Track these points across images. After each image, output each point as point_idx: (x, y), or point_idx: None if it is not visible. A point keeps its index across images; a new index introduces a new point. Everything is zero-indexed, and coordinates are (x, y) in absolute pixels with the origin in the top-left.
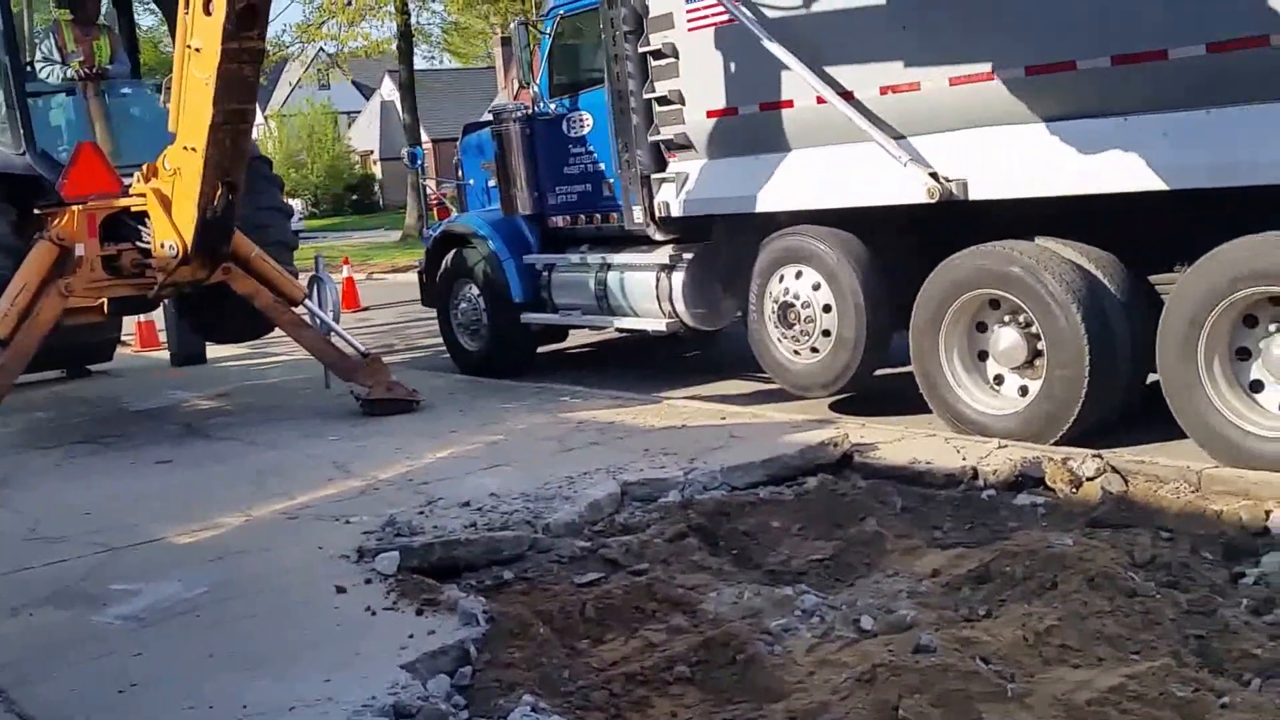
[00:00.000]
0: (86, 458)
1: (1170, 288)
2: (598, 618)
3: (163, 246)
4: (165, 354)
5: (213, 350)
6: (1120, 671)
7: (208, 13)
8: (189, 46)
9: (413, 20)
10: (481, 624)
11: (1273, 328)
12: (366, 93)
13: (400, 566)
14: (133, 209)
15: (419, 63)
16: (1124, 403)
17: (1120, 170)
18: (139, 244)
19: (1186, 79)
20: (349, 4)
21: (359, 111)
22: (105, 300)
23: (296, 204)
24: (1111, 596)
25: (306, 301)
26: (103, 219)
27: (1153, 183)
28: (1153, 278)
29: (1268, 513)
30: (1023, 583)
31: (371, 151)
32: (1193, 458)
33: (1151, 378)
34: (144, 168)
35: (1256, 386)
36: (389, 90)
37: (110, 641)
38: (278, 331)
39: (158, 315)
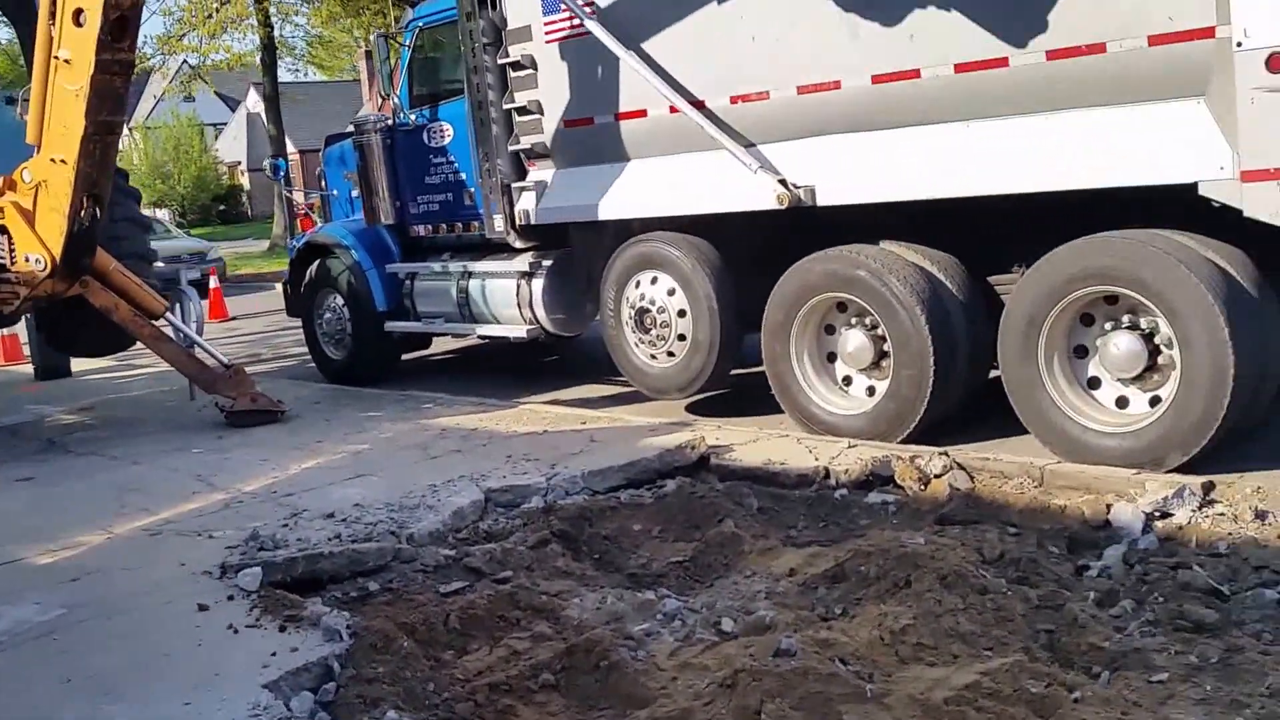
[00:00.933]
0: None
1: (1009, 289)
2: (462, 628)
3: (27, 260)
4: (29, 367)
5: (77, 363)
6: (975, 669)
7: (79, 24)
8: (56, 58)
9: (276, 33)
10: (345, 639)
11: (1108, 326)
12: (232, 104)
13: (263, 582)
14: None
15: (284, 75)
16: (966, 400)
17: (963, 175)
18: None
19: (1026, 86)
20: (210, 17)
21: (225, 123)
22: None
23: (163, 215)
24: (964, 594)
25: (168, 314)
26: None
27: (993, 187)
28: (992, 279)
29: (1109, 506)
30: (877, 581)
31: (239, 162)
32: (1035, 453)
33: (992, 373)
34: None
35: (1094, 383)
36: (254, 102)
37: None
38: (142, 345)
39: (21, 328)
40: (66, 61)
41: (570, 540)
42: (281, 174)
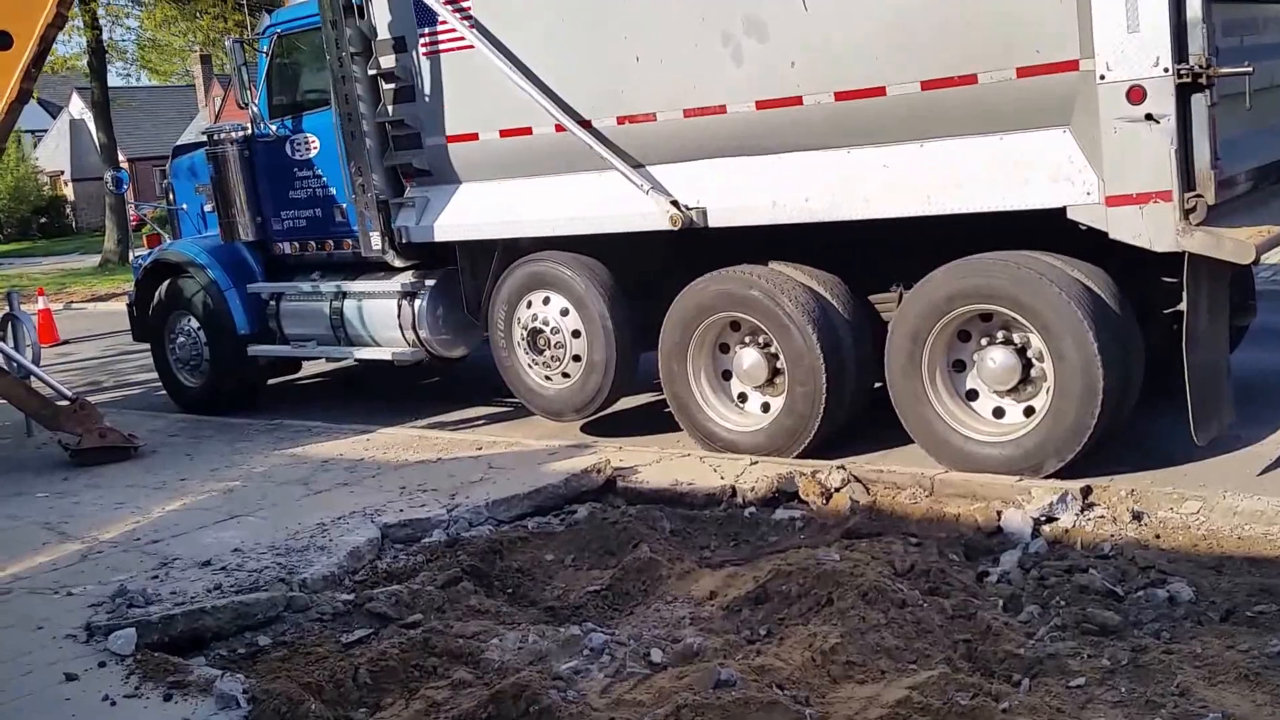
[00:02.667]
0: None
1: (889, 307)
2: (373, 682)
3: None
4: None
5: None
6: (904, 684)
7: (3, 48)
8: None
9: (105, 36)
10: (242, 705)
11: (984, 342)
12: (53, 110)
13: (139, 644)
14: None
15: (113, 79)
16: (855, 413)
17: (844, 200)
18: None
19: (903, 114)
20: None
21: (45, 130)
22: None
23: None
24: (885, 609)
25: (0, 344)
26: None
27: (873, 211)
28: (873, 298)
29: (999, 513)
30: (799, 600)
31: (62, 172)
32: (923, 462)
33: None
34: None
35: (972, 395)
36: (78, 108)
37: None
38: None
39: None
40: None
41: (481, 576)
42: (125, 187)
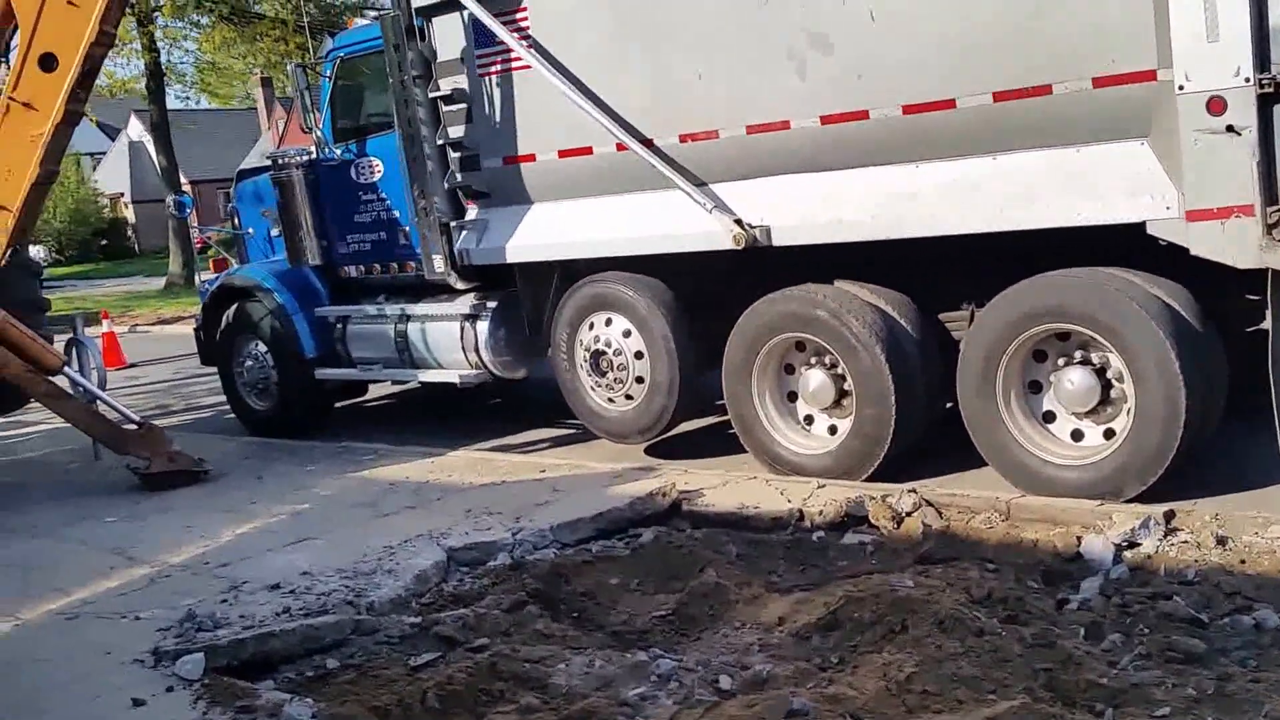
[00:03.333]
0: None
1: (960, 326)
2: (441, 706)
3: None
4: None
5: None
6: (982, 714)
7: (47, 70)
8: (13, 100)
9: (163, 59)
10: None
11: (1061, 362)
12: (111, 133)
13: (207, 668)
14: None
15: (172, 102)
16: (925, 434)
17: (912, 217)
18: None
19: (973, 127)
20: None
21: (104, 152)
22: None
23: (38, 251)
24: (962, 637)
25: (67, 369)
26: None
27: (941, 228)
28: (943, 316)
29: (1079, 539)
30: (871, 628)
31: (122, 194)
32: (996, 485)
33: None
34: None
35: (1049, 417)
36: (136, 130)
37: None
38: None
39: None
40: (26, 105)
41: (546, 600)
42: (188, 211)
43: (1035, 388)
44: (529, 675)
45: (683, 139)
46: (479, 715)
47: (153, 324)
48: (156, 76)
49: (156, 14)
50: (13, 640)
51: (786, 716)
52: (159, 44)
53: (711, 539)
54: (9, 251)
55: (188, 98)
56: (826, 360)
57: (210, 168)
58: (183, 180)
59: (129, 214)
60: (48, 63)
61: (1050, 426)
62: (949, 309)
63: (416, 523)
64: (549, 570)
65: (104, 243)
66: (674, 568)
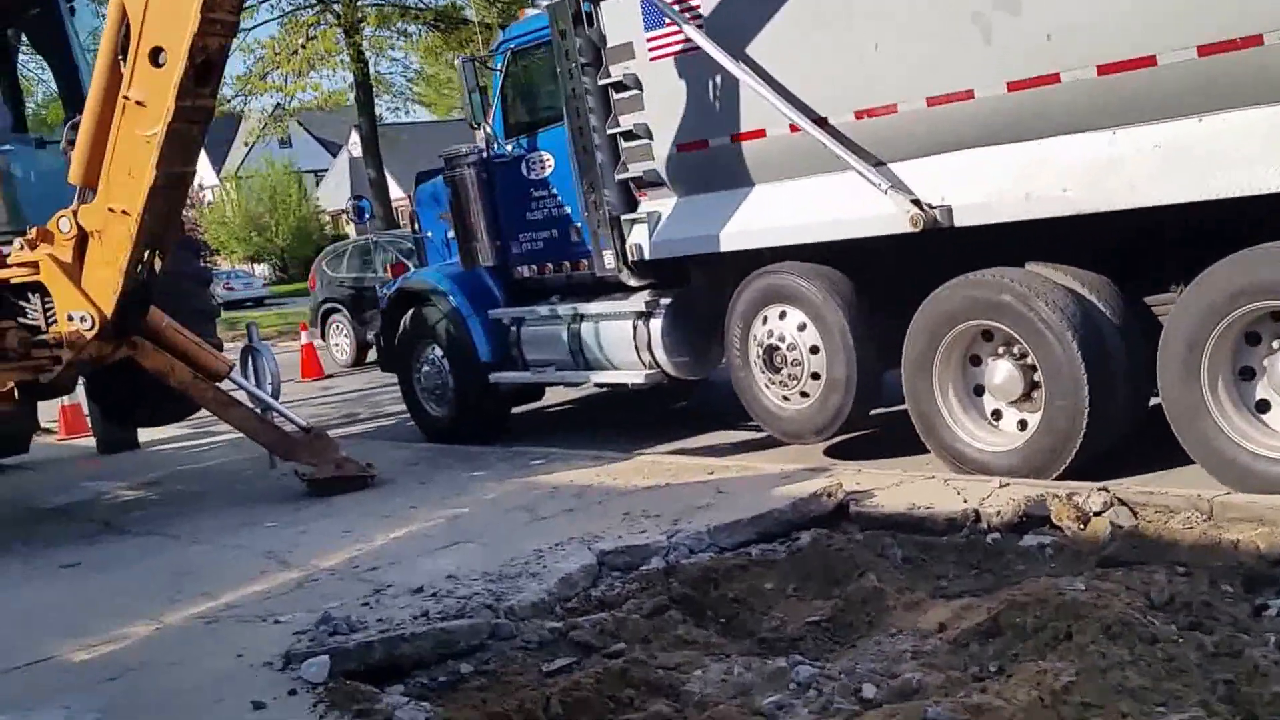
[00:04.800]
0: None
1: (1167, 309)
2: (565, 713)
3: (71, 319)
4: (93, 440)
5: (146, 433)
6: None
7: (157, 64)
8: (126, 98)
9: (370, 69)
10: None
11: (1276, 344)
12: (333, 149)
13: (332, 672)
14: (12, 281)
15: (386, 115)
16: (1125, 430)
17: (1110, 188)
18: (22, 321)
19: (1177, 86)
20: (295, 53)
21: (326, 169)
22: (14, 386)
23: (261, 269)
24: (1131, 645)
25: (234, 375)
26: None
27: (1143, 199)
28: (1148, 299)
29: None
30: (1034, 635)
31: (344, 211)
32: (1202, 485)
33: (1152, 401)
34: (32, 232)
35: (1263, 406)
36: (356, 145)
37: None
38: None
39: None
40: (139, 103)
41: (692, 605)
42: (367, 216)
43: (1246, 374)
44: (662, 682)
45: (858, 115)
46: None
47: None
48: (365, 88)
49: (362, 24)
50: (151, 644)
51: None
52: (366, 54)
53: (874, 542)
54: (152, 257)
55: (398, 109)
56: (1015, 350)
57: None
58: (397, 193)
59: (350, 230)
60: (156, 57)
61: (1264, 417)
62: (1154, 290)
63: (572, 526)
64: (698, 574)
65: None
66: (833, 572)
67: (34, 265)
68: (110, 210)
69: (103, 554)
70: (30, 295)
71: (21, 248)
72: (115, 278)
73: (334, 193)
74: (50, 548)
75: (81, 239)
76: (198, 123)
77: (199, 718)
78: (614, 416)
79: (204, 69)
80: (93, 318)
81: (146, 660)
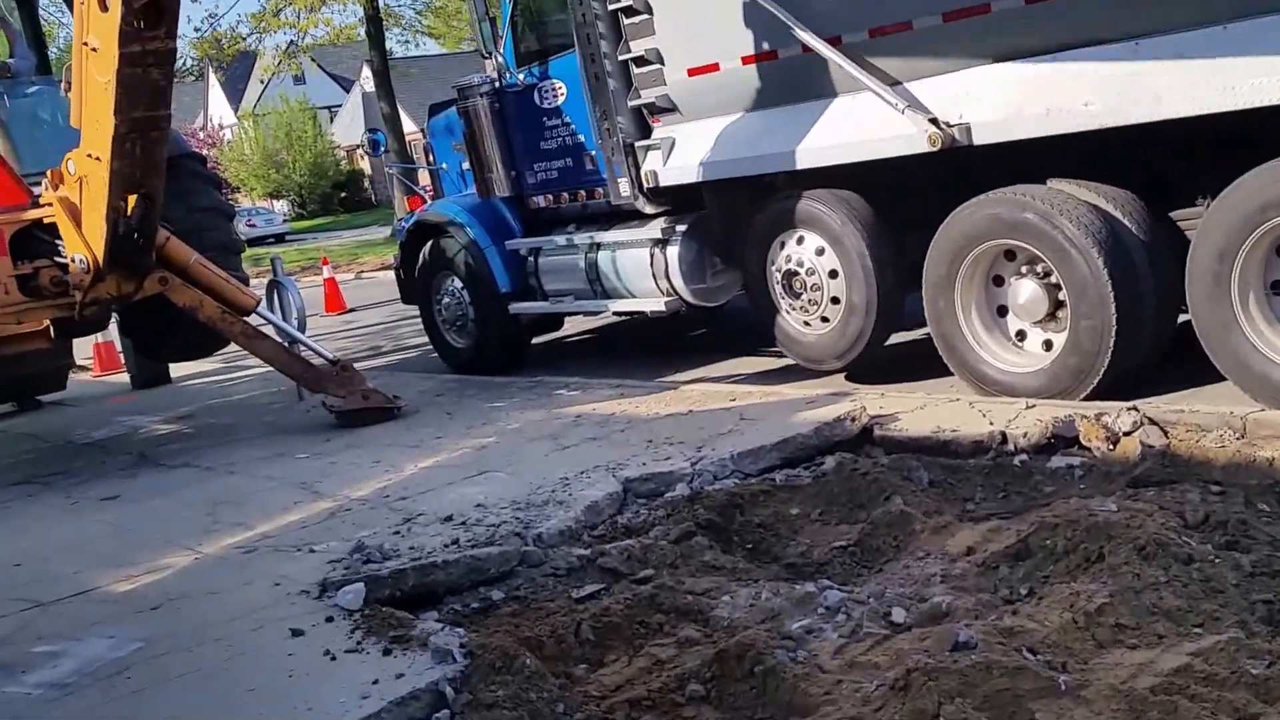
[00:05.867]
0: (24, 499)
1: (1195, 224)
2: (596, 638)
3: (75, 261)
4: (127, 377)
5: (178, 369)
6: (1184, 649)
7: (104, 8)
8: (85, 44)
9: (381, 2)
10: (458, 660)
11: None
12: (346, 85)
13: (368, 599)
14: (45, 220)
15: (396, 48)
16: (1154, 348)
17: (1134, 101)
18: (57, 259)
19: None
20: None
21: (340, 105)
22: (50, 324)
23: (280, 205)
24: (1166, 565)
25: (261, 309)
26: (11, 234)
27: (1168, 110)
28: (1175, 214)
29: None
30: (1065, 557)
31: (358, 146)
32: (1234, 402)
33: (1181, 318)
34: (49, 174)
35: None
36: (369, 80)
37: (24, 717)
38: None
39: (118, 334)
40: (94, 49)
41: (718, 531)
42: (382, 149)
43: (1278, 288)
44: (690, 607)
45: (872, 33)
46: (635, 647)
47: (377, 270)
48: (375, 22)
49: None
50: (190, 573)
51: (952, 649)
52: None
53: (900, 465)
54: (139, 203)
55: (408, 41)
56: (1039, 269)
57: None
58: (409, 126)
59: (365, 165)
60: (103, 1)
61: None
62: (1180, 205)
63: (597, 454)
64: (723, 501)
65: (343, 195)
66: (858, 497)
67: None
68: (89, 156)
69: (139, 486)
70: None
71: (46, 189)
72: (101, 223)
73: (348, 128)
74: (90, 481)
75: (81, 183)
76: (154, 66)
77: (239, 645)
78: (633, 346)
79: (152, 11)
80: (88, 260)
81: (187, 590)
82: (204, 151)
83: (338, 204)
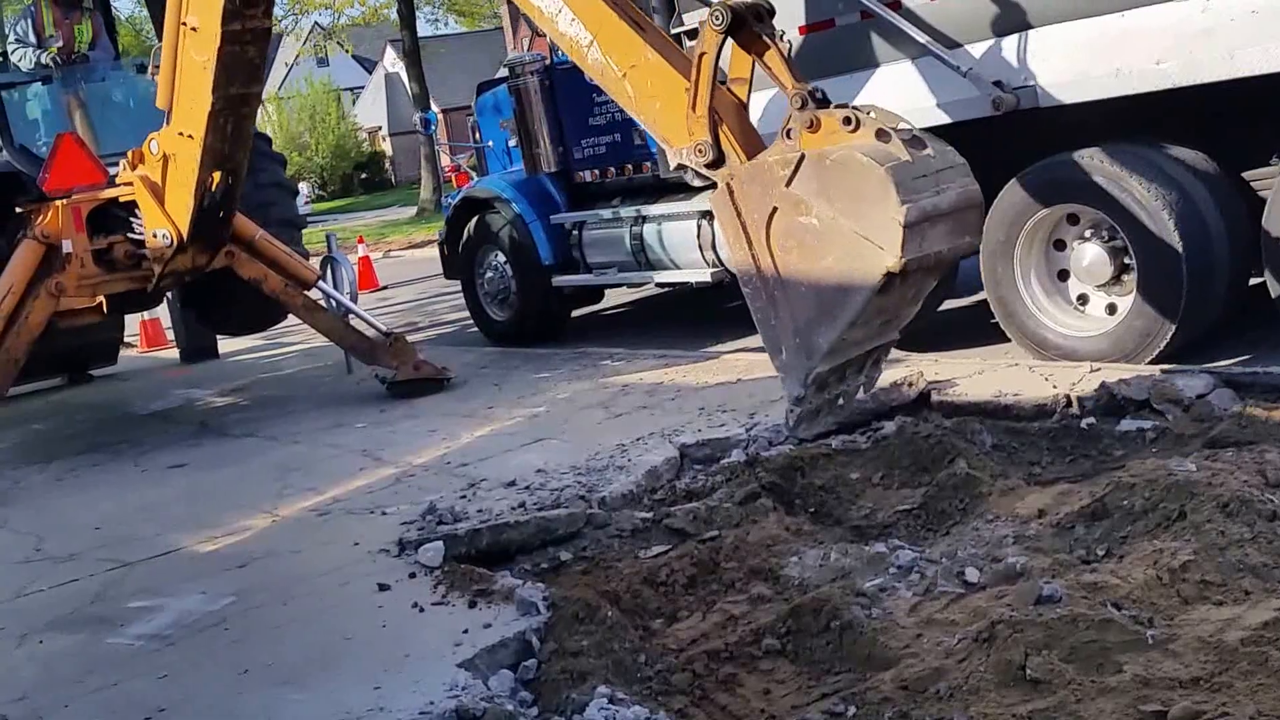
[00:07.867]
0: (91, 468)
1: (1269, 184)
2: (668, 594)
3: (155, 235)
4: (174, 352)
5: (224, 344)
6: (1271, 605)
7: None
8: (184, 24)
9: None
10: (542, 611)
11: None
12: (368, 66)
13: (446, 557)
14: (121, 199)
15: (422, 28)
16: (1225, 311)
17: (1206, 58)
18: (130, 235)
19: None
20: None
21: (362, 87)
22: (103, 298)
23: (303, 187)
24: (1250, 522)
25: (320, 283)
26: (89, 211)
27: (1241, 68)
28: (1248, 174)
29: None
30: (1144, 516)
31: (380, 127)
32: None
33: (1253, 281)
34: (129, 154)
35: None
36: (392, 61)
37: (130, 665)
38: (291, 320)
39: (163, 312)
40: (193, 29)
41: (781, 494)
42: (433, 128)
43: None
44: (760, 567)
45: None
46: (709, 604)
47: (404, 249)
48: (406, 1)
49: None
50: (271, 534)
51: (1036, 603)
52: None
53: (963, 428)
54: (225, 178)
55: (435, 20)
56: (1103, 233)
57: (459, 94)
58: (434, 107)
59: (386, 147)
60: None
61: None
62: (1254, 165)
63: (650, 422)
64: (784, 464)
65: (364, 176)
66: (921, 460)
67: (131, 185)
68: (180, 134)
69: (206, 454)
70: (137, 212)
71: (124, 168)
72: (188, 198)
73: (370, 109)
74: (155, 450)
75: (166, 161)
76: (251, 44)
77: (330, 599)
78: (672, 317)
79: None
80: (171, 235)
81: (270, 549)
82: None
83: (359, 185)
